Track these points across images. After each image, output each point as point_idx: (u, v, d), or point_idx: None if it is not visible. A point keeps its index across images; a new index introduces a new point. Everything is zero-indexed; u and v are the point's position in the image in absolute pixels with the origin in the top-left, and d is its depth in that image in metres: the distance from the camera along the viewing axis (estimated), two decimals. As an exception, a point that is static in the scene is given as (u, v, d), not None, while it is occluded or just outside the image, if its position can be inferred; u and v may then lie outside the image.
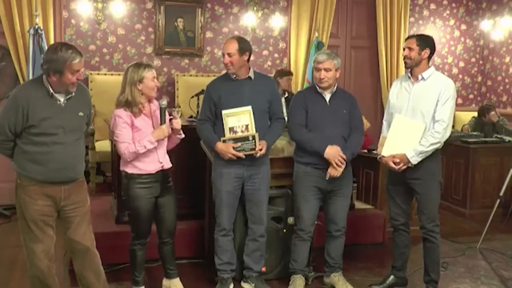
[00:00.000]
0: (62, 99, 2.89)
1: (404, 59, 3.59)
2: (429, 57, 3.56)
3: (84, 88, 3.13)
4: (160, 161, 3.38)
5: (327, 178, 3.61)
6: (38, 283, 3.02)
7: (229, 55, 3.49)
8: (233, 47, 3.49)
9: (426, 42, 3.55)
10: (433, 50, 3.57)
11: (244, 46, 3.52)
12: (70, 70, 2.81)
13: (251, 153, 3.47)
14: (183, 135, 3.49)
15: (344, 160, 3.59)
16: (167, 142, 3.46)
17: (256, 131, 3.48)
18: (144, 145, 3.26)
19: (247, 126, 3.49)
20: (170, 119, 3.39)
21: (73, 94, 2.92)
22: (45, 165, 2.84)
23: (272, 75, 6.09)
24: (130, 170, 3.34)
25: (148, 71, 3.30)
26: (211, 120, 3.61)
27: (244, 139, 3.47)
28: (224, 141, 3.49)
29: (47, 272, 2.99)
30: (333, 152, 3.56)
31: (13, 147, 2.90)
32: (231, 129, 3.50)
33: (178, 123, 3.40)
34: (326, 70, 3.62)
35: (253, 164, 3.56)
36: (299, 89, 6.58)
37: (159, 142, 3.34)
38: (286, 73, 6.07)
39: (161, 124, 3.34)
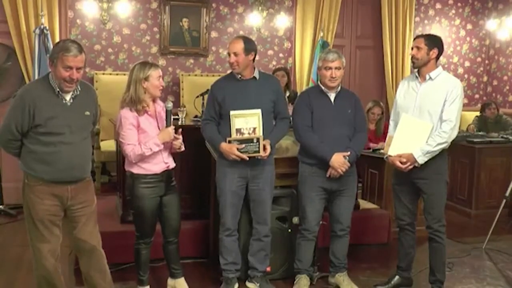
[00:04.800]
0: (68, 98, 2.88)
1: (411, 58, 3.58)
2: (437, 57, 3.55)
3: (91, 87, 3.14)
4: (165, 161, 3.39)
5: (327, 175, 3.61)
6: (44, 283, 3.03)
7: (235, 54, 3.48)
8: (239, 46, 3.48)
9: (435, 42, 3.54)
10: (441, 50, 3.56)
11: (249, 46, 3.51)
12: (62, 64, 2.77)
13: (255, 155, 3.47)
14: (183, 149, 3.47)
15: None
16: (171, 146, 3.46)
17: (263, 134, 3.48)
18: (150, 147, 3.27)
19: (254, 129, 3.48)
20: (175, 131, 3.38)
21: (79, 93, 2.92)
22: (52, 165, 2.85)
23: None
24: (136, 170, 3.34)
25: (154, 70, 3.31)
26: (215, 120, 3.60)
27: (249, 141, 3.46)
28: (229, 142, 3.49)
29: (54, 272, 3.00)
30: (338, 162, 3.56)
31: (20, 146, 2.90)
32: (237, 130, 3.49)
33: (178, 142, 3.40)
34: (337, 68, 3.62)
35: (257, 164, 3.55)
36: (304, 88, 6.57)
37: (164, 143, 3.35)
38: (274, 71, 5.97)
39: (166, 126, 3.34)
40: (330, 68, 3.62)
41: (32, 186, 2.89)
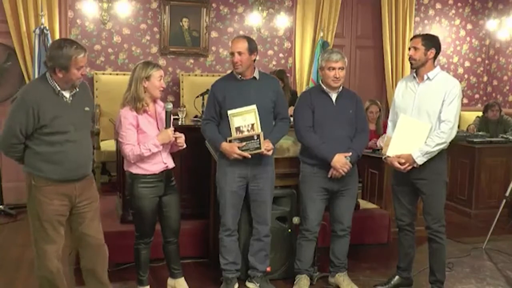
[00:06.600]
0: (67, 96, 2.90)
1: (409, 59, 3.57)
2: (435, 57, 3.54)
3: (85, 83, 3.14)
4: (164, 162, 3.39)
5: (328, 176, 3.61)
6: (47, 284, 3.02)
7: (239, 53, 3.47)
8: (243, 46, 3.48)
9: (432, 41, 3.53)
10: (438, 50, 3.55)
11: (252, 46, 3.52)
12: (76, 66, 2.82)
13: (256, 152, 3.47)
14: (184, 146, 3.47)
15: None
16: (170, 146, 3.46)
17: (261, 130, 3.48)
18: (149, 148, 3.27)
19: (252, 125, 3.49)
20: (175, 132, 3.38)
21: (77, 90, 2.94)
22: (60, 164, 2.86)
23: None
24: (134, 170, 3.35)
25: (156, 70, 3.32)
26: (215, 120, 3.60)
27: (249, 138, 3.46)
28: (230, 141, 3.49)
29: (56, 273, 3.00)
30: (340, 163, 3.56)
31: (22, 150, 2.89)
32: (237, 128, 3.49)
33: (181, 141, 3.40)
34: (340, 69, 3.62)
35: (257, 164, 3.55)
36: (303, 88, 6.57)
37: (163, 144, 3.35)
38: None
39: (166, 127, 3.35)
40: (334, 68, 3.61)
41: (40, 187, 2.88)
